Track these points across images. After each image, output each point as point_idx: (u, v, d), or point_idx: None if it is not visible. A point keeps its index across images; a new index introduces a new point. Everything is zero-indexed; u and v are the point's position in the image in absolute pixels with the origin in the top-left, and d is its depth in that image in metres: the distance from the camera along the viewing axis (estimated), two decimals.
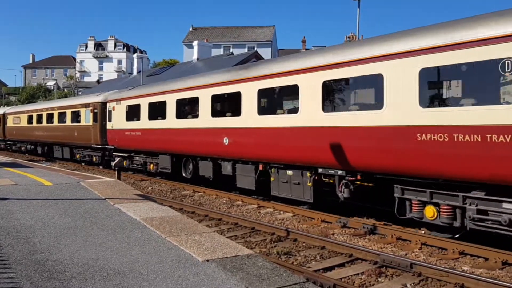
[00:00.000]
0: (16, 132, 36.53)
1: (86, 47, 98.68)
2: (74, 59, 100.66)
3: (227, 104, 14.68)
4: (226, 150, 13.56)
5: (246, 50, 55.93)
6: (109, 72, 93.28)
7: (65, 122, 27.01)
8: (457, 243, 8.13)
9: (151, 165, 18.92)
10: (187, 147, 15.62)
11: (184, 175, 16.93)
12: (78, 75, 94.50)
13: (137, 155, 20.03)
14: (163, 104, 17.07)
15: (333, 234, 9.45)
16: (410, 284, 6.46)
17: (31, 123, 32.65)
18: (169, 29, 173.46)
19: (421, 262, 7.12)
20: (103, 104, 22.66)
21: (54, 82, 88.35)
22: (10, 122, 37.84)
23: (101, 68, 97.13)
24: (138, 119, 18.89)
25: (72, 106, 26.28)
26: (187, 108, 16.56)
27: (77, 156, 26.36)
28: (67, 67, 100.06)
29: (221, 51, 56.79)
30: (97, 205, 7.75)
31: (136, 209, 7.48)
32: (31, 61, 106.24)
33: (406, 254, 8.00)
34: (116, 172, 12.74)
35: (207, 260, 4.82)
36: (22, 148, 35.70)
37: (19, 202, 7.78)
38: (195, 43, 43.05)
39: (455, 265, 7.44)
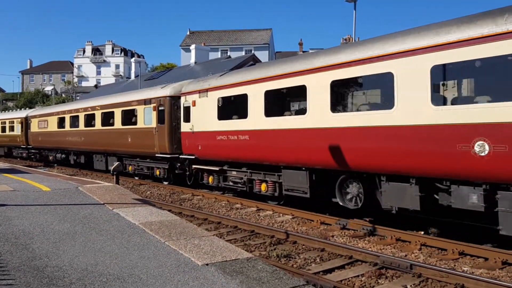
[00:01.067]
0: (42, 139, 30.37)
1: (84, 52, 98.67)
2: (72, 64, 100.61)
3: (484, 82, 8.78)
4: (479, 167, 7.57)
5: (243, 53, 55.94)
6: (107, 76, 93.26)
7: (112, 124, 21.24)
8: (456, 244, 8.13)
9: (263, 185, 13.08)
10: (358, 159, 9.76)
11: (341, 203, 10.86)
12: (76, 80, 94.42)
13: (235, 168, 14.30)
14: (298, 90, 11.40)
15: (332, 236, 9.45)
16: (410, 285, 6.45)
17: (63, 127, 26.95)
18: (166, 33, 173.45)
19: (421, 263, 7.12)
20: (173, 99, 17.19)
21: (52, 87, 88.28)
22: (34, 127, 31.80)
23: (98, 73, 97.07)
24: (243, 116, 13.24)
25: (124, 104, 20.31)
26: (359, 94, 11.17)
27: (129, 168, 20.46)
28: (65, 72, 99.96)
29: (218, 55, 56.83)
30: (95, 210, 7.73)
31: (135, 213, 7.47)
32: (28, 67, 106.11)
33: (406, 255, 8.00)
34: (114, 177, 12.72)
35: (207, 264, 4.81)
36: (50, 158, 30.19)
37: (18, 208, 7.76)
38: (192, 47, 43.07)
39: (455, 265, 7.44)
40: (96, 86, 74.38)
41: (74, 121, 25.55)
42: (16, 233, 6.04)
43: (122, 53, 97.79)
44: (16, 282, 4.15)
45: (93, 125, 23.39)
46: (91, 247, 5.41)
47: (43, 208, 7.80)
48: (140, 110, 18.98)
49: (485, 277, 6.55)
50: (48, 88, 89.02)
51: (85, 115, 24.33)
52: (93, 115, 23.32)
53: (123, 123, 20.46)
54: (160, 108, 17.70)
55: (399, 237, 9.01)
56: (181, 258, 5.02)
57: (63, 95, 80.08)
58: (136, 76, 44.66)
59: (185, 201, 14.69)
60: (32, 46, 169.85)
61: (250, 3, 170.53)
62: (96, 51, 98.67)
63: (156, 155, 17.93)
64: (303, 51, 56.41)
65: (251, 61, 33.61)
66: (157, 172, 18.56)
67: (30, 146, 33.01)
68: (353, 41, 25.95)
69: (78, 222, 6.74)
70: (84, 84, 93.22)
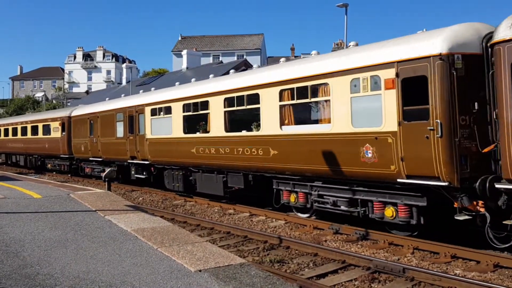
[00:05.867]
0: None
1: (75, 58, 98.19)
2: (63, 70, 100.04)
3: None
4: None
5: (235, 58, 56.08)
6: (98, 82, 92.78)
7: None
8: (449, 247, 8.18)
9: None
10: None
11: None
12: (66, 86, 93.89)
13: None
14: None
15: (325, 241, 9.45)
16: None
17: None
18: (158, 38, 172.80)
19: (413, 267, 7.15)
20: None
21: (43, 93, 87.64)
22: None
23: (90, 79, 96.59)
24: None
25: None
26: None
27: None
28: (56, 78, 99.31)
29: (210, 60, 56.88)
30: (87, 217, 7.68)
31: (127, 220, 7.43)
32: (18, 73, 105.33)
33: (398, 259, 8.02)
34: (106, 183, 12.64)
35: (200, 270, 4.79)
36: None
37: (8, 216, 7.69)
38: (184, 52, 43.13)
39: (447, 268, 7.47)
40: (87, 92, 73.95)
41: None
42: (7, 240, 5.98)
43: (113, 58, 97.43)
44: None
45: None
46: (83, 254, 5.37)
47: (34, 216, 7.73)
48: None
49: (477, 280, 6.60)
50: (39, 95, 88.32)
51: None
52: None
53: None
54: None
55: (392, 241, 9.04)
56: (174, 265, 5.00)
57: (54, 102, 79.49)
58: (128, 82, 44.53)
59: (177, 207, 14.62)
60: (23, 52, 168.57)
61: (242, 8, 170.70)
62: (87, 57, 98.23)
63: None
64: (295, 56, 56.56)
65: (243, 66, 33.69)
66: None
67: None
68: (345, 46, 26.08)
69: (69, 230, 6.68)
70: (75, 90, 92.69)
